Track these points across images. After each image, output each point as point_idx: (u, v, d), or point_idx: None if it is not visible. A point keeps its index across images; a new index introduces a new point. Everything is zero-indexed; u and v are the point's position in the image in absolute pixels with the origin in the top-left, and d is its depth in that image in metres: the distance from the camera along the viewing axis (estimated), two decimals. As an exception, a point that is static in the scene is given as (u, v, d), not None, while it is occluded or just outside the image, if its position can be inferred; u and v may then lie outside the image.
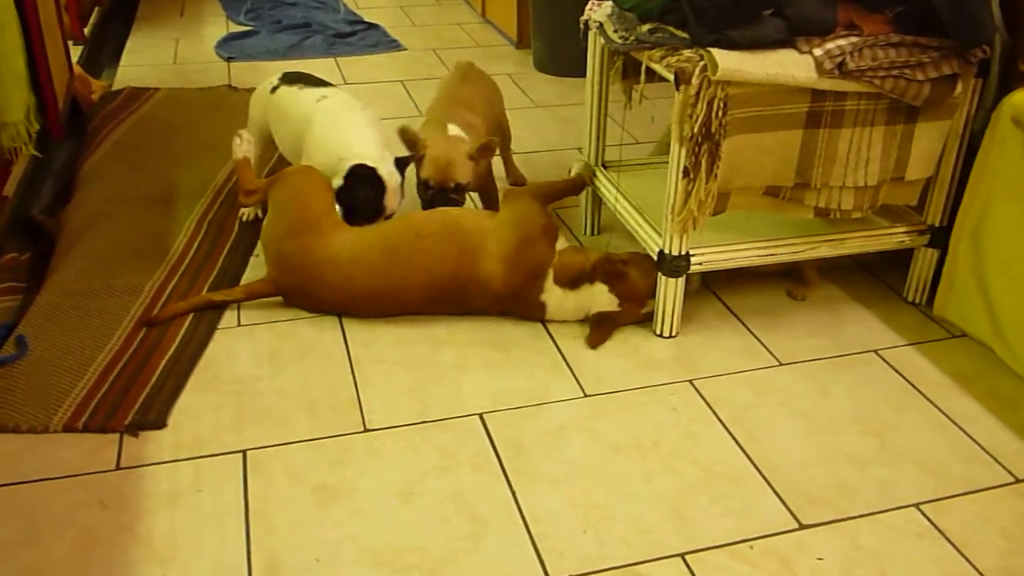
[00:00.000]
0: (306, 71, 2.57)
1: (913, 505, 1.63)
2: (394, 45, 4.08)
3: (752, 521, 1.58)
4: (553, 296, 2.07)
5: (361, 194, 2.16)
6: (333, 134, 2.25)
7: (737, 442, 1.77)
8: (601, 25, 2.14)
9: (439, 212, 2.14)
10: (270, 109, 2.42)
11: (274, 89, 2.43)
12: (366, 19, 4.41)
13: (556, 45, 3.66)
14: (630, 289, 2.05)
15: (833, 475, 1.69)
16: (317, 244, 2.05)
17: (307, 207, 2.09)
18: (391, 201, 2.20)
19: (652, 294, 2.07)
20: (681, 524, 1.57)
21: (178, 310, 2.07)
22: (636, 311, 2.08)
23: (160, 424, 1.75)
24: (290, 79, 2.45)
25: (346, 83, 3.60)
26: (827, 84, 1.83)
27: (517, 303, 2.08)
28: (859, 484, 1.67)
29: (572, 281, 2.06)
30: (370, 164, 2.16)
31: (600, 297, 2.06)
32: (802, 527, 1.57)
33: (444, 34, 4.29)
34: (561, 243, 2.14)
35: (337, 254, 2.05)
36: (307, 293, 2.09)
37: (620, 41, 2.01)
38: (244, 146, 2.34)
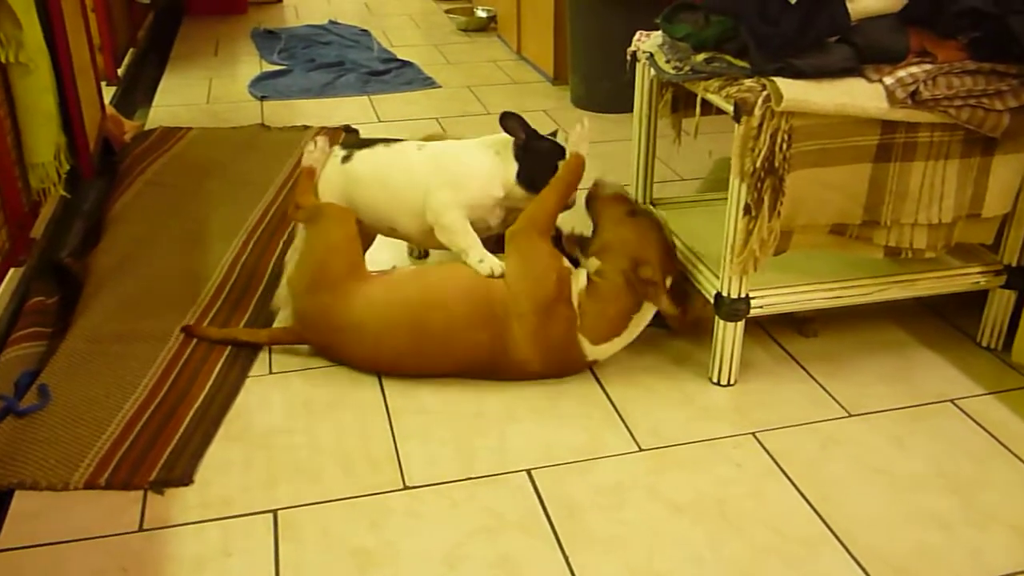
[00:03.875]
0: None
1: (1010, 575, 1.47)
2: (428, 83, 4.02)
3: (832, 593, 1.43)
4: (600, 351, 1.92)
5: (545, 145, 2.03)
6: (469, 152, 2.06)
7: (808, 501, 1.62)
8: (651, 56, 2.03)
9: (465, 278, 1.91)
10: (350, 181, 2.10)
11: (346, 159, 2.12)
12: (400, 57, 4.36)
13: (594, 80, 3.57)
14: (674, 295, 1.92)
15: (917, 539, 1.54)
16: (339, 306, 1.90)
17: (329, 263, 1.93)
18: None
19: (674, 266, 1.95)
20: (753, 595, 1.43)
21: (211, 335, 2.03)
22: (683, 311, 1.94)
23: (186, 481, 1.64)
24: (359, 144, 2.17)
25: (380, 121, 3.53)
26: (899, 115, 1.71)
27: (562, 373, 1.94)
28: (947, 550, 1.52)
29: (616, 330, 1.91)
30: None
31: (647, 312, 1.92)
32: (888, 600, 1.42)
33: (479, 71, 4.22)
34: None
35: (362, 321, 1.89)
36: (331, 351, 1.97)
37: (673, 72, 1.90)
38: (317, 154, 2.10)
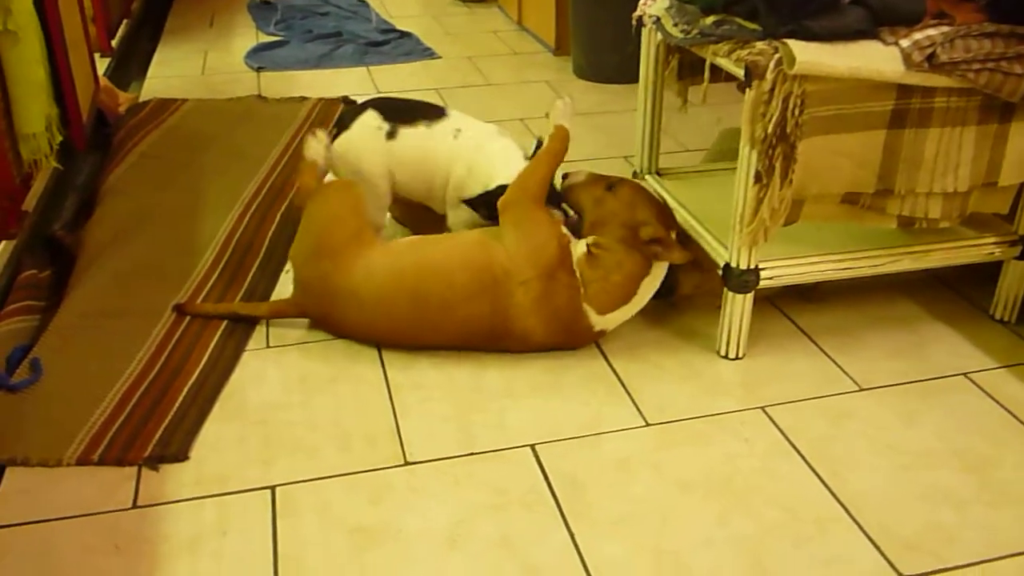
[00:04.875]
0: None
1: (1025, 552, 1.44)
2: (428, 53, 3.95)
3: (845, 571, 1.39)
4: (608, 320, 1.88)
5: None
6: (482, 166, 2.05)
7: (819, 477, 1.58)
8: (658, 19, 1.97)
9: (468, 246, 1.87)
10: (393, 158, 2.11)
11: (391, 135, 2.11)
12: (399, 27, 4.29)
13: (596, 51, 3.50)
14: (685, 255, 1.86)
15: (930, 517, 1.50)
16: (339, 273, 1.86)
17: (332, 230, 1.89)
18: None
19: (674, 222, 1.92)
20: (763, 574, 1.39)
21: (207, 310, 1.99)
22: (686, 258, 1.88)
23: (181, 457, 1.60)
24: (401, 117, 2.13)
25: (379, 92, 3.46)
26: (915, 79, 1.65)
27: (567, 344, 1.89)
28: (960, 527, 1.48)
29: (625, 297, 1.87)
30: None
31: (658, 274, 1.87)
32: (902, 578, 1.38)
33: (479, 42, 4.15)
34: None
35: (359, 287, 1.85)
36: (330, 322, 1.93)
37: (681, 35, 1.84)
38: (319, 148, 2.09)
